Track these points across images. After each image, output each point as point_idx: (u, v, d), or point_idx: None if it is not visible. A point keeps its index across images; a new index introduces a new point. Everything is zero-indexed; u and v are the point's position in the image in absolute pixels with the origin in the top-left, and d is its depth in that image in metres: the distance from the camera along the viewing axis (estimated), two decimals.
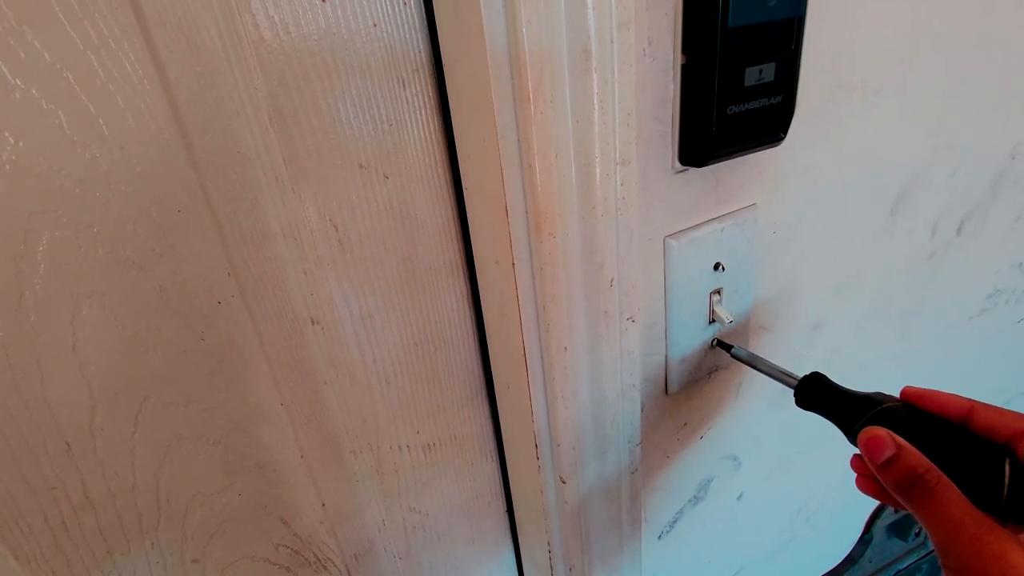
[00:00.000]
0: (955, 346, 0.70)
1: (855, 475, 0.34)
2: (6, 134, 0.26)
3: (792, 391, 0.38)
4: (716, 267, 0.43)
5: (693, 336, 0.45)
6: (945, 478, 0.28)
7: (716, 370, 0.49)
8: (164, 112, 0.29)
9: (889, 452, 0.29)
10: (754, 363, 0.43)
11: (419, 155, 0.36)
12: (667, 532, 0.56)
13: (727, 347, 0.46)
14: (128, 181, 0.29)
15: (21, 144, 0.27)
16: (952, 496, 0.27)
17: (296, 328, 0.36)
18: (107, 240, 0.29)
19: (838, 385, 0.36)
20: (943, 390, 0.32)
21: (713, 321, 0.45)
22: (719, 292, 0.44)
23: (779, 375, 0.41)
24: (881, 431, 0.30)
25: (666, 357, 0.45)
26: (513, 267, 0.34)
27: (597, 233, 0.34)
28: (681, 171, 0.38)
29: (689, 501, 0.56)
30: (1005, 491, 0.28)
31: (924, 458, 0.29)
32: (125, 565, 0.36)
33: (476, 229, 0.37)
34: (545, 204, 0.32)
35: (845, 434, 0.34)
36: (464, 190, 0.37)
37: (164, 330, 0.32)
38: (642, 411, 0.46)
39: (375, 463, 0.43)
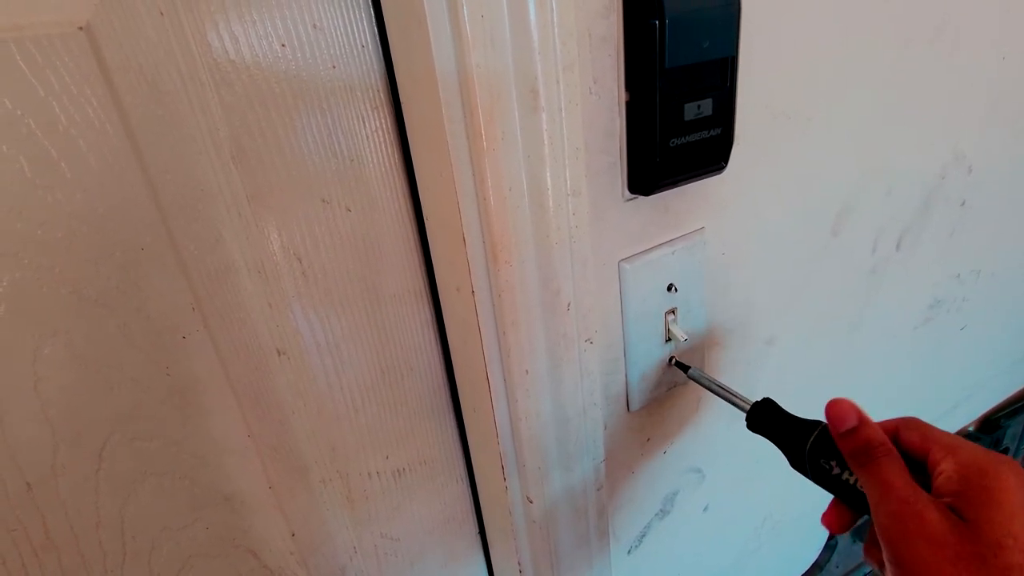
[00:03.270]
0: (901, 355, 0.74)
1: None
2: None
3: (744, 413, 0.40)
4: (669, 288, 0.45)
5: (651, 355, 0.47)
6: (894, 452, 0.31)
7: (675, 386, 0.51)
8: (127, 154, 0.30)
9: (851, 423, 0.32)
10: (710, 386, 0.45)
11: (381, 188, 0.37)
12: (636, 547, 0.58)
13: (684, 367, 0.48)
14: (91, 222, 0.30)
15: None
16: (893, 467, 0.30)
17: (262, 360, 0.37)
18: (70, 280, 0.30)
19: (786, 411, 0.38)
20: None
21: (669, 340, 0.47)
22: (673, 312, 0.46)
23: (732, 398, 0.42)
24: (848, 403, 0.33)
25: (626, 376, 0.47)
26: (473, 295, 0.35)
27: (552, 260, 0.36)
28: (631, 199, 0.40)
29: (656, 515, 0.58)
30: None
31: (880, 433, 0.32)
32: None
33: (437, 258, 0.39)
34: (500, 234, 0.33)
35: (789, 459, 0.36)
36: (425, 220, 0.38)
37: (128, 367, 0.33)
38: (605, 429, 0.47)
39: (345, 491, 0.43)
